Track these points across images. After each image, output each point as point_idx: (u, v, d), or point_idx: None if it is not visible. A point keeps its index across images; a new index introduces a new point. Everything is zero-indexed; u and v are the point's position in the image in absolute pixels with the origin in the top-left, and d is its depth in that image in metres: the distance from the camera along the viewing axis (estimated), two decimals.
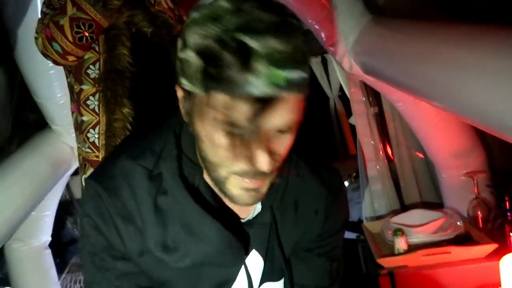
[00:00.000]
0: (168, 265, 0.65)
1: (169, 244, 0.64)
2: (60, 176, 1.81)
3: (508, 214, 1.36)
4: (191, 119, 0.59)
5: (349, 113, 2.32)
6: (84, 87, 1.25)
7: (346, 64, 1.66)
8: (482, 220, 1.53)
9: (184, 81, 0.56)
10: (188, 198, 0.62)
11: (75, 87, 1.26)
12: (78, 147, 1.29)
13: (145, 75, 1.28)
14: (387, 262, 1.37)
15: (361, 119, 2.07)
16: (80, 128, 1.26)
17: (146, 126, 1.22)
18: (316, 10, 1.59)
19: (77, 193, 2.08)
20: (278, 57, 0.51)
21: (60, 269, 2.05)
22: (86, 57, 1.24)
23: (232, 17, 0.52)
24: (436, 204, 1.86)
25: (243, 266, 0.71)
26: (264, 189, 0.61)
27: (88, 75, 1.24)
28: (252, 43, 0.50)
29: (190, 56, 0.54)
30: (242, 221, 0.69)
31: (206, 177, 0.65)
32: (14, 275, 1.85)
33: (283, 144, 0.58)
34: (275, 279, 0.76)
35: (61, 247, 2.23)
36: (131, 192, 0.63)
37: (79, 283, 2.09)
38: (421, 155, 2.01)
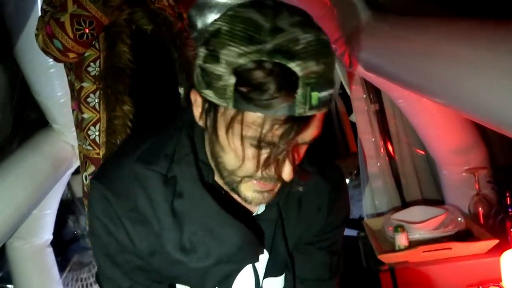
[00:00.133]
0: (183, 264, 0.66)
1: (186, 245, 0.65)
2: (61, 175, 1.81)
3: (509, 210, 1.36)
4: (213, 129, 0.59)
5: (349, 111, 2.31)
6: (84, 84, 1.25)
7: (346, 62, 1.66)
8: (483, 216, 1.53)
9: (208, 92, 0.56)
10: (208, 199, 0.63)
11: (76, 84, 1.27)
12: (79, 145, 1.29)
13: (145, 73, 1.28)
14: (388, 258, 1.37)
15: (362, 116, 2.07)
16: (80, 125, 1.27)
17: (146, 123, 1.23)
18: (316, 7, 1.58)
19: (79, 192, 2.08)
20: (314, 79, 0.52)
21: (61, 268, 2.06)
22: (86, 54, 1.24)
23: (270, 37, 0.51)
24: (437, 201, 1.86)
25: None
26: (277, 189, 0.63)
27: (88, 72, 1.24)
28: (291, 65, 0.51)
29: (221, 72, 0.53)
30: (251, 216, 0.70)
31: (217, 177, 0.66)
32: (16, 274, 1.86)
33: (303, 152, 0.60)
34: (277, 274, 0.77)
35: (63, 246, 2.23)
36: (147, 198, 0.64)
37: (81, 281, 2.09)
38: (422, 152, 2.00)
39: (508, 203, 1.39)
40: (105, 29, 1.23)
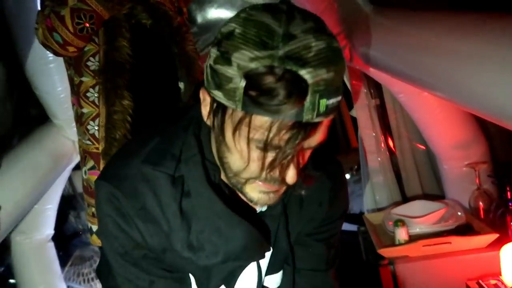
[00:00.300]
0: (192, 261, 0.67)
1: (194, 243, 0.66)
2: (62, 170, 1.81)
3: (510, 204, 1.36)
4: (220, 129, 0.59)
5: (350, 106, 2.31)
6: (84, 79, 1.25)
7: (347, 56, 1.66)
8: (483, 210, 1.52)
9: (217, 93, 0.56)
10: (215, 199, 0.64)
11: (75, 79, 1.27)
12: (79, 139, 1.29)
13: (144, 67, 1.28)
14: (388, 253, 1.37)
15: (363, 111, 2.07)
16: (80, 120, 1.27)
17: (146, 118, 1.23)
18: (316, 1, 1.58)
19: (80, 187, 2.09)
20: (323, 87, 0.52)
21: (63, 262, 2.06)
22: (86, 49, 1.24)
23: (282, 43, 0.52)
24: (437, 196, 1.86)
25: None
26: (283, 190, 0.64)
27: (88, 67, 1.24)
28: (302, 72, 0.51)
29: (232, 74, 0.54)
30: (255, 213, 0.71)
31: (223, 176, 0.66)
32: (18, 268, 1.87)
33: (307, 156, 0.61)
34: (276, 270, 0.77)
35: (64, 240, 2.25)
36: (156, 199, 0.65)
37: (82, 276, 2.10)
38: (422, 147, 2.00)
39: (509, 197, 1.38)
40: (105, 24, 1.23)
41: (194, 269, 0.72)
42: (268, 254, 0.74)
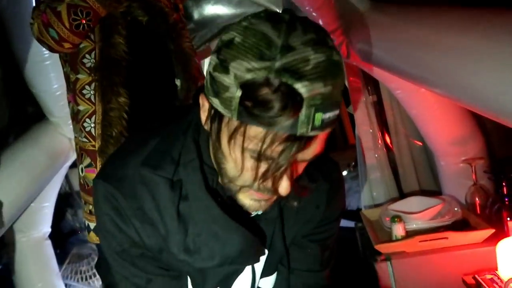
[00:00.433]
0: (188, 263, 0.68)
1: (190, 246, 0.66)
2: (59, 168, 1.81)
3: (506, 199, 1.37)
4: (217, 136, 0.60)
5: (347, 102, 2.31)
6: (80, 76, 1.24)
7: (344, 52, 1.66)
8: (479, 206, 1.53)
9: (215, 100, 0.57)
10: (212, 204, 0.64)
11: (71, 76, 1.26)
12: (75, 137, 1.29)
13: (141, 64, 1.27)
14: (384, 248, 1.38)
15: (360, 108, 2.07)
16: (76, 117, 1.26)
17: (142, 115, 1.22)
18: None
19: (77, 185, 2.09)
20: (319, 101, 0.52)
21: (61, 260, 2.06)
22: (81, 46, 1.23)
23: (280, 54, 0.51)
24: (434, 192, 1.87)
25: None
26: (274, 198, 0.64)
27: (83, 64, 1.24)
28: (298, 86, 0.51)
29: (229, 83, 0.54)
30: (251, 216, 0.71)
31: (220, 180, 0.66)
32: (15, 266, 1.86)
33: (302, 168, 0.61)
34: (271, 273, 0.78)
35: (62, 238, 2.24)
36: (154, 203, 0.65)
37: (80, 273, 2.10)
38: (419, 143, 2.01)
39: (505, 192, 1.39)
40: (101, 21, 1.22)
41: (190, 271, 0.72)
42: (263, 257, 0.74)
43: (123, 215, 0.65)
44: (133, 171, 0.65)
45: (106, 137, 1.18)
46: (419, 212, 1.51)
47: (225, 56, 0.54)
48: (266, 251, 0.73)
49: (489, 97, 0.96)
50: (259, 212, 0.71)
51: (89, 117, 1.23)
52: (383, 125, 2.11)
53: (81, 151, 1.26)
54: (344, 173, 2.89)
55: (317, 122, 0.53)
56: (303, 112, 0.52)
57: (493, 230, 1.33)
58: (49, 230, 1.93)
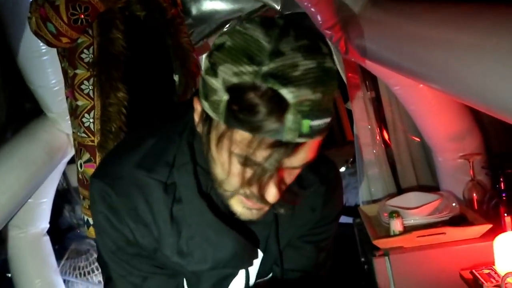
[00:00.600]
0: (181, 266, 0.68)
1: (183, 249, 0.66)
2: (57, 164, 1.80)
3: (503, 194, 1.38)
4: (207, 139, 0.60)
5: (345, 98, 2.31)
6: (78, 71, 1.24)
7: (342, 48, 1.65)
8: (477, 201, 1.54)
9: (205, 103, 0.57)
10: (204, 208, 0.64)
11: (69, 71, 1.25)
12: (73, 132, 1.29)
13: (139, 59, 1.27)
14: (382, 243, 1.38)
15: (358, 103, 2.07)
16: (75, 113, 1.26)
17: (141, 110, 1.22)
18: None
19: (74, 181, 2.08)
20: (307, 107, 0.51)
21: (59, 256, 2.07)
22: (79, 41, 1.23)
23: (268, 59, 0.51)
24: (432, 188, 1.88)
25: None
26: (266, 208, 0.64)
27: (82, 59, 1.23)
28: (284, 91, 0.50)
29: (217, 87, 0.54)
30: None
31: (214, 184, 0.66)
32: (13, 262, 1.86)
33: (293, 176, 0.60)
34: (266, 275, 0.78)
35: (60, 234, 2.24)
36: (148, 206, 0.65)
37: (79, 269, 2.11)
38: (417, 139, 2.01)
39: (502, 188, 1.40)
40: (99, 16, 1.22)
41: (185, 272, 0.72)
42: (258, 261, 0.74)
43: (117, 214, 0.66)
44: (128, 172, 0.65)
45: (106, 132, 1.18)
46: (417, 207, 1.51)
47: (215, 59, 0.54)
48: (261, 254, 0.73)
49: (487, 93, 0.96)
50: None
51: (88, 112, 1.23)
52: (381, 121, 2.11)
53: (80, 147, 1.26)
54: (343, 169, 2.90)
55: (305, 129, 0.52)
56: (290, 118, 0.51)
57: (490, 225, 1.33)
58: (47, 226, 1.93)
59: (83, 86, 1.23)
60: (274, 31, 0.53)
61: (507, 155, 1.64)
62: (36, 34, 1.21)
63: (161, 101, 1.29)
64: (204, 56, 2.10)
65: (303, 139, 0.53)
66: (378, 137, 2.07)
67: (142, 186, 0.65)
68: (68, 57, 1.26)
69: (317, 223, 0.76)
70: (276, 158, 0.53)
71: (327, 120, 0.54)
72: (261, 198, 0.58)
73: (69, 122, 1.34)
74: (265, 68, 0.51)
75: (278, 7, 1.86)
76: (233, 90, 0.52)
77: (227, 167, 0.58)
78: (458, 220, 1.44)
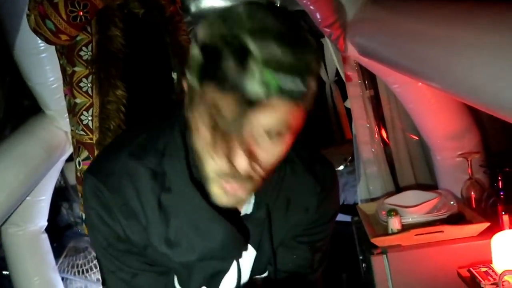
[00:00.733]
0: (169, 258, 0.67)
1: (171, 238, 0.65)
2: (55, 161, 1.80)
3: (501, 193, 1.38)
4: (187, 111, 0.60)
5: (344, 97, 2.31)
6: (76, 69, 1.24)
7: (341, 46, 1.65)
8: (475, 200, 1.54)
9: (188, 76, 0.58)
10: (195, 194, 0.63)
11: (68, 69, 1.25)
12: (72, 130, 1.29)
13: (137, 57, 1.27)
14: (380, 242, 1.39)
15: (357, 102, 2.07)
16: (73, 110, 1.26)
17: (140, 108, 1.22)
18: None
19: (72, 179, 2.08)
20: (275, 63, 0.51)
21: (57, 254, 2.07)
22: (78, 38, 1.23)
23: (241, 21, 0.53)
24: (430, 186, 1.88)
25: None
26: (243, 195, 0.62)
27: (80, 57, 1.23)
28: (252, 45, 0.51)
29: (194, 51, 0.56)
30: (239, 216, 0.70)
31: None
32: (11, 260, 1.86)
33: (270, 152, 0.58)
34: (261, 272, 0.77)
35: (59, 232, 2.24)
36: (136, 193, 0.65)
37: (77, 267, 2.11)
38: (416, 138, 2.01)
39: (500, 186, 1.40)
40: (98, 13, 1.21)
41: (175, 267, 0.72)
42: (251, 258, 0.73)
43: (110, 211, 0.65)
44: (120, 165, 0.65)
45: (104, 130, 1.18)
46: (415, 206, 1.52)
47: (196, 30, 0.57)
48: (253, 251, 0.73)
49: (486, 91, 0.96)
50: (248, 212, 0.70)
51: (87, 110, 1.23)
52: (380, 120, 2.11)
53: (78, 144, 1.26)
54: (341, 167, 2.90)
55: (273, 87, 0.51)
56: (256, 71, 0.50)
57: (488, 224, 1.34)
58: (46, 223, 1.93)
59: (81, 84, 1.23)
60: (253, 5, 0.55)
61: (505, 154, 1.64)
62: (35, 31, 1.21)
63: (159, 99, 1.29)
64: None
65: (271, 95, 0.52)
66: (376, 136, 2.07)
67: (131, 174, 0.64)
68: (67, 55, 1.25)
69: (311, 224, 0.75)
70: (242, 114, 0.53)
71: (301, 86, 0.53)
72: (233, 171, 0.57)
73: (68, 119, 1.34)
74: (238, 28, 0.52)
75: (277, 5, 1.85)
76: (206, 48, 0.54)
77: (199, 131, 0.57)
78: (456, 219, 1.44)
